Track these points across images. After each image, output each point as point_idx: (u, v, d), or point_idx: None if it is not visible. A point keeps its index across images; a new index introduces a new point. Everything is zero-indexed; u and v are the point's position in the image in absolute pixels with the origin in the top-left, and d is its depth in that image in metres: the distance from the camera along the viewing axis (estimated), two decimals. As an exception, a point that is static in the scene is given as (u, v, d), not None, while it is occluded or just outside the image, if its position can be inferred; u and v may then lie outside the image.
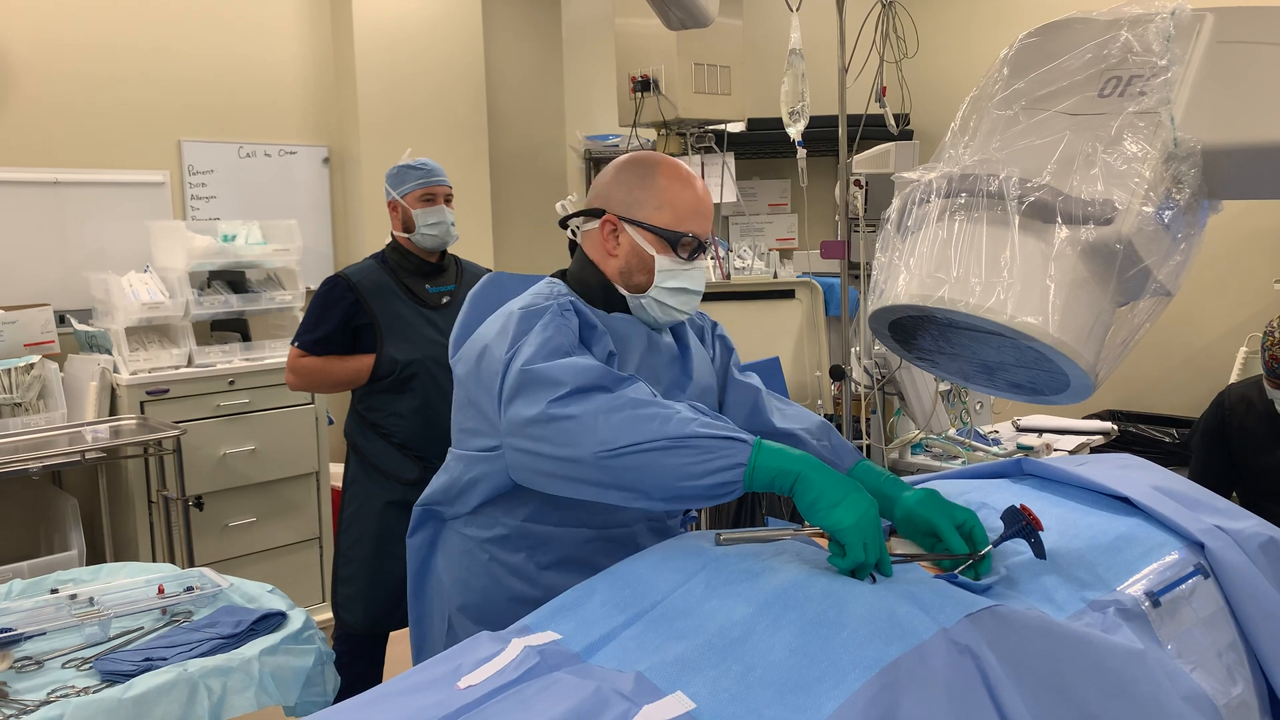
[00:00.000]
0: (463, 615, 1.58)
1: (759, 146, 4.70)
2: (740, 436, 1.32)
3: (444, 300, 2.68)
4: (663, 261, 1.56)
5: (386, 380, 2.58)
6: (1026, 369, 1.47)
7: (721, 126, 4.03)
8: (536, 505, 1.54)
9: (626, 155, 1.63)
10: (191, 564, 3.17)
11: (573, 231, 1.65)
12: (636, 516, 1.59)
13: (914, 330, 1.54)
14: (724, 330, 1.80)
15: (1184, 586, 1.41)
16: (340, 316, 2.58)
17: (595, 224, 1.59)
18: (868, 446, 2.82)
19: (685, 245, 1.56)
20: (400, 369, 2.57)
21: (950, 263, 1.37)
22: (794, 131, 3.10)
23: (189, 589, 1.62)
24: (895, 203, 1.51)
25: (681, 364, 1.65)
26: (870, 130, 2.98)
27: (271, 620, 1.51)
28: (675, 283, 1.57)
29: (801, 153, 3.13)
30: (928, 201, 1.44)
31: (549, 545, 1.56)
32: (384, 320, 2.58)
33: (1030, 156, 1.38)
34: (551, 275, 1.65)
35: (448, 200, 2.69)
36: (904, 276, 1.42)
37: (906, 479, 1.85)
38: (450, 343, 1.66)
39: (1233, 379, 4.00)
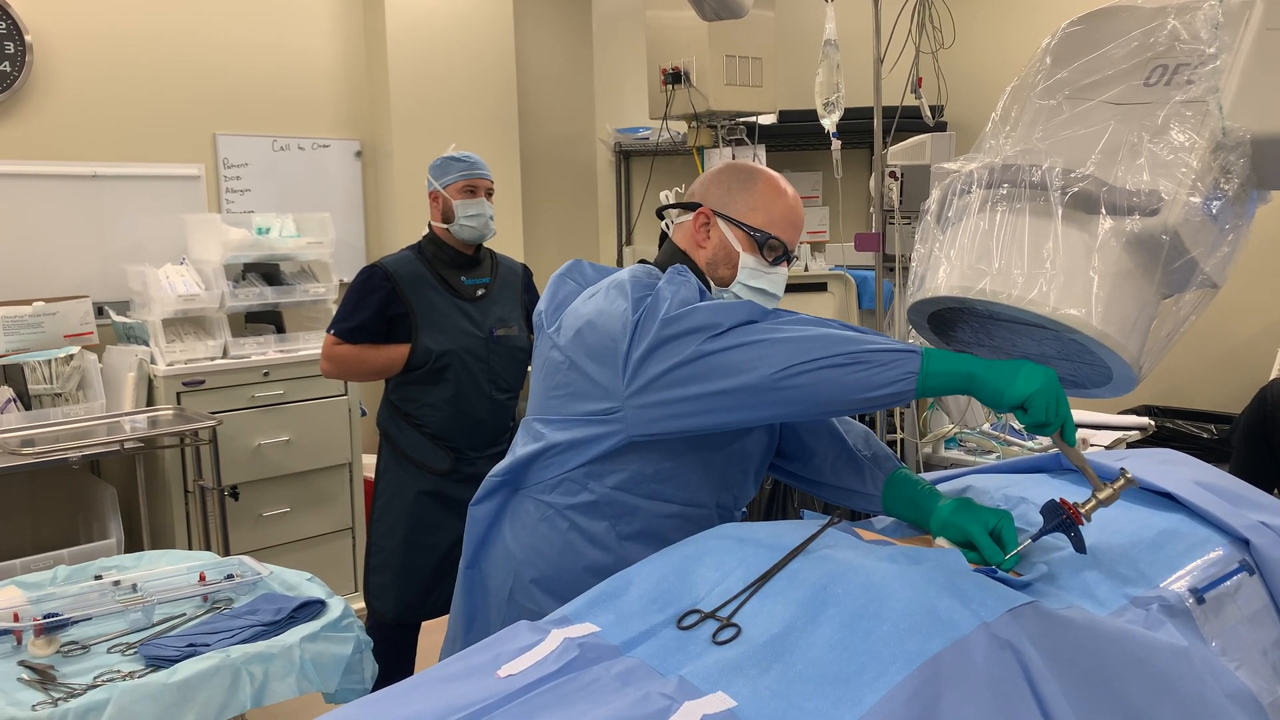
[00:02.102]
0: (534, 586, 1.60)
1: (790, 139, 4.67)
2: (910, 348, 1.37)
3: (479, 293, 2.70)
4: (747, 260, 1.63)
5: (420, 370, 2.60)
6: (1068, 361, 1.46)
7: (753, 119, 4.01)
8: (631, 474, 1.57)
9: (733, 161, 1.72)
10: (227, 553, 3.21)
11: (666, 224, 1.72)
12: (714, 499, 1.63)
13: (953, 322, 1.53)
14: None
15: (1229, 583, 1.39)
16: (376, 305, 2.60)
17: (688, 217, 1.67)
18: (901, 441, 2.80)
19: (772, 248, 1.63)
20: (434, 359, 2.59)
21: (992, 254, 1.35)
22: (828, 123, 3.08)
23: (229, 576, 1.64)
24: (935, 193, 1.49)
25: None
26: (905, 122, 2.96)
27: (311, 608, 1.53)
28: (756, 283, 1.64)
29: (836, 144, 3.11)
30: (968, 192, 1.42)
31: (633, 516, 1.58)
32: (419, 310, 2.60)
33: (1074, 146, 1.36)
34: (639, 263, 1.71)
35: (489, 194, 2.71)
36: (945, 268, 1.40)
37: (943, 473, 1.84)
38: (543, 315, 1.68)
39: (1274, 374, 3.93)
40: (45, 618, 1.43)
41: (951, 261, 1.39)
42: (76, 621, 1.47)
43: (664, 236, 1.74)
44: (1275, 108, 1.28)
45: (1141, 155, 1.30)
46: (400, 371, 2.62)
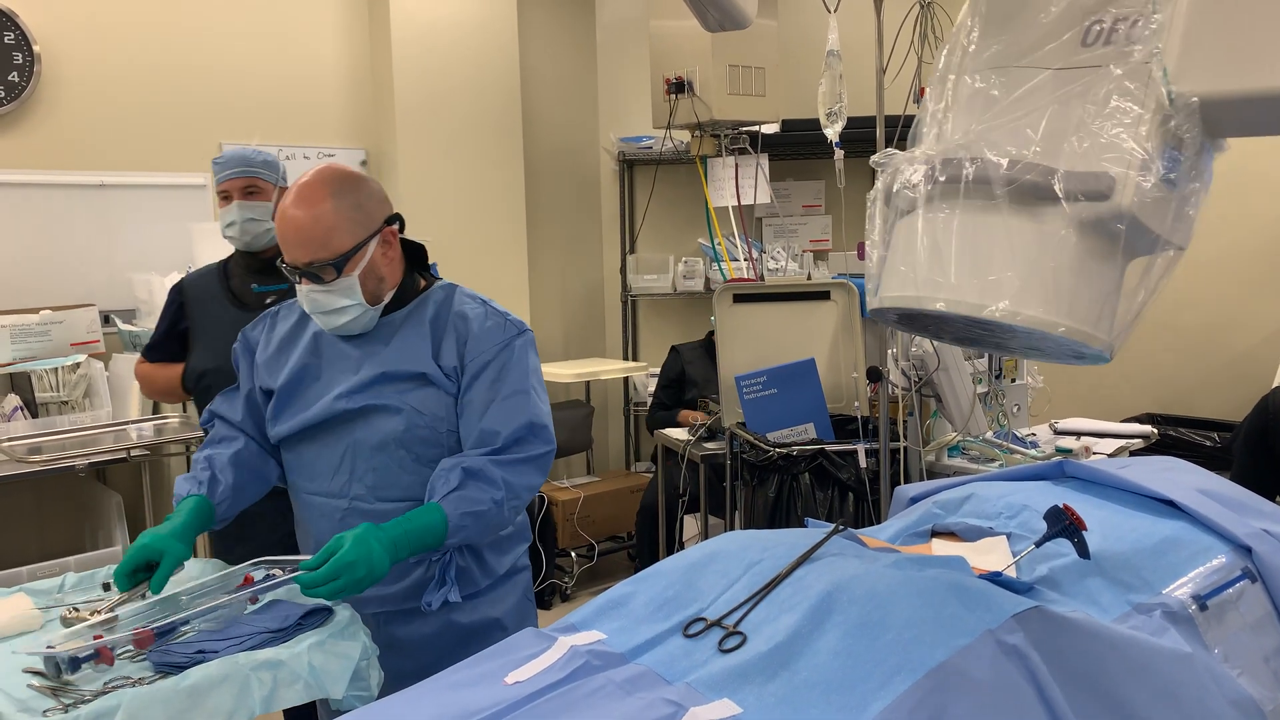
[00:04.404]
0: None
1: (793, 148, 4.68)
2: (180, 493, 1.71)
3: (268, 300, 2.29)
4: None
5: (194, 393, 2.34)
6: (1036, 350, 1.42)
7: (756, 128, 4.03)
8: (287, 467, 1.84)
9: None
10: (232, 560, 3.22)
11: None
12: (337, 490, 1.74)
13: (918, 315, 1.48)
14: (512, 354, 1.70)
15: (1231, 590, 1.39)
16: (166, 323, 2.40)
17: None
18: (904, 449, 2.81)
19: (289, 268, 1.65)
20: (197, 380, 2.30)
21: (944, 259, 1.27)
22: (831, 132, 3.09)
23: (269, 575, 1.63)
24: (878, 184, 1.40)
25: (375, 352, 1.71)
26: (908, 131, 2.97)
27: (318, 615, 1.54)
28: (300, 299, 1.69)
29: (839, 153, 3.12)
30: (913, 188, 1.33)
31: (294, 501, 1.84)
32: (198, 326, 2.34)
33: (1015, 133, 1.27)
34: None
35: (250, 193, 2.29)
36: (897, 275, 1.33)
37: (946, 481, 1.85)
38: None
39: (1276, 383, 3.94)
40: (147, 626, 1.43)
41: (903, 268, 1.32)
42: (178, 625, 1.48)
43: None
44: (1221, 65, 1.18)
45: (1087, 138, 1.22)
46: (187, 393, 2.37)
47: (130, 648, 1.41)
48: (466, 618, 1.74)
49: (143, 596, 1.57)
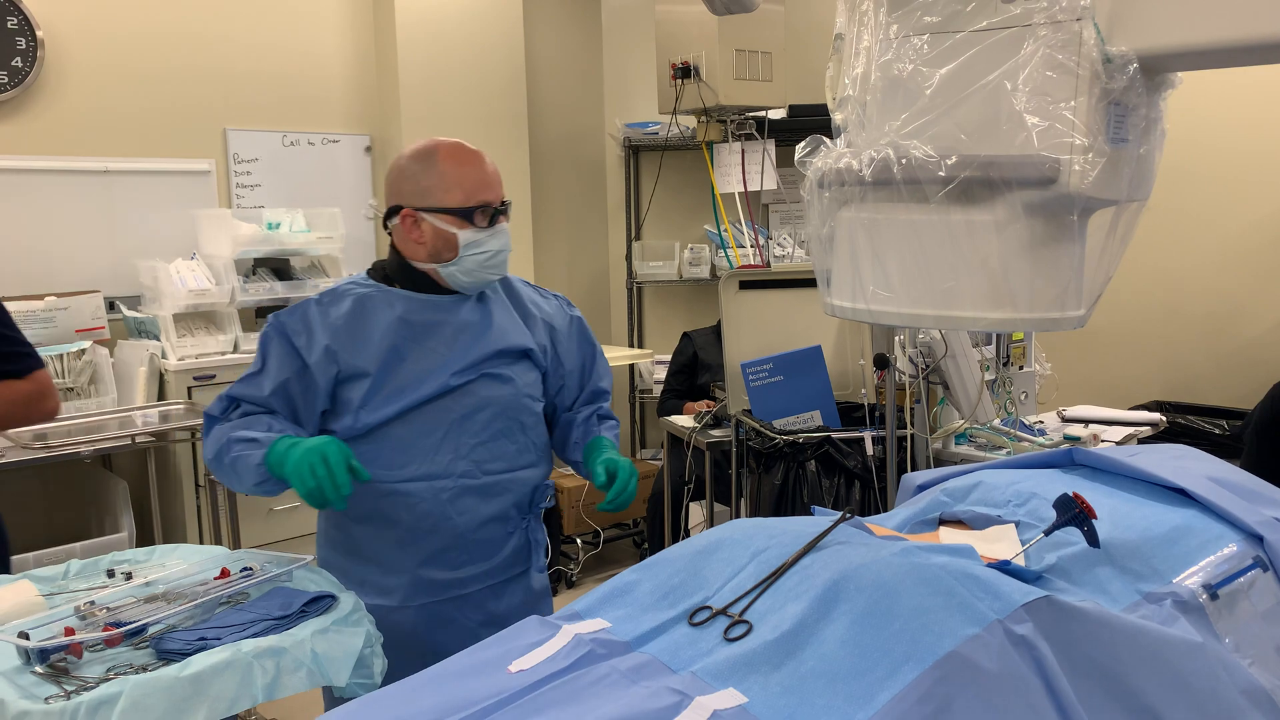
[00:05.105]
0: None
1: (800, 133, 4.64)
2: (257, 438, 1.65)
3: None
4: (465, 235, 1.75)
5: None
6: None
7: (762, 113, 4.00)
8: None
9: (408, 150, 1.83)
10: (237, 546, 3.23)
11: (389, 231, 1.83)
12: (441, 471, 1.78)
13: None
14: (574, 321, 2.03)
15: (1242, 579, 1.38)
16: None
17: (397, 219, 1.78)
18: (911, 437, 2.79)
19: (483, 214, 1.75)
20: None
21: (889, 270, 1.21)
22: (839, 117, 3.07)
23: (247, 570, 1.64)
24: (809, 175, 1.31)
25: (478, 330, 1.81)
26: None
27: (321, 602, 1.53)
28: (483, 249, 1.76)
29: (845, 139, 3.10)
30: (844, 188, 1.25)
31: (355, 499, 1.81)
32: None
33: (946, 123, 1.18)
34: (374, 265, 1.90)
35: None
36: (846, 282, 1.27)
37: (953, 469, 1.83)
38: None
39: (1286, 370, 3.91)
40: (116, 626, 1.42)
41: (850, 277, 1.26)
42: (148, 626, 1.47)
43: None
44: (1160, 17, 1.10)
45: (1022, 121, 1.13)
46: None
47: (102, 646, 1.41)
48: (537, 582, 1.97)
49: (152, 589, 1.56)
